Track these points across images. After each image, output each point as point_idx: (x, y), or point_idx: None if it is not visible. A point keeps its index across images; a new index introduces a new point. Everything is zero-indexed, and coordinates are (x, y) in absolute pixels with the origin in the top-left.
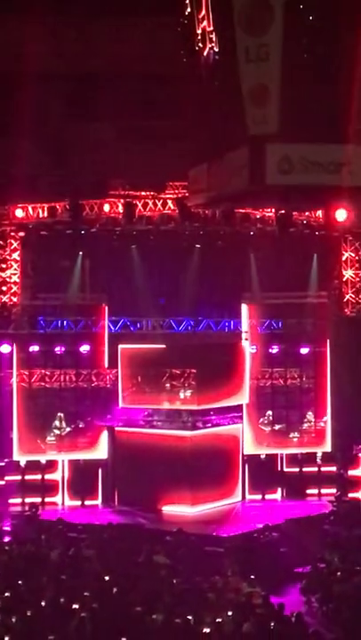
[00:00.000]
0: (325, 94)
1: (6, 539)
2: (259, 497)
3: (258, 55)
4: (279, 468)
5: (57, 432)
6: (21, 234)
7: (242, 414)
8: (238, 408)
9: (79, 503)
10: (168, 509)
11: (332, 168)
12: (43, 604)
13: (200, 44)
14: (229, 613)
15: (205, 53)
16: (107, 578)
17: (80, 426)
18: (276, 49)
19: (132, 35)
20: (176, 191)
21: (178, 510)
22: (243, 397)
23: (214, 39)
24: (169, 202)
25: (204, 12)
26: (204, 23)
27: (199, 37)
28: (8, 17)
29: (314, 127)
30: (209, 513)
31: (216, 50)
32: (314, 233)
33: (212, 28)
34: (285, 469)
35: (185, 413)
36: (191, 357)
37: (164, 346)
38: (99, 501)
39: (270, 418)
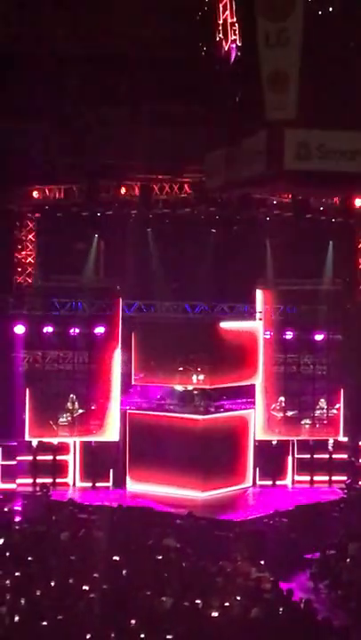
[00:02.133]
0: (345, 80)
1: (17, 519)
2: (269, 483)
3: (278, 40)
4: (290, 455)
5: (69, 414)
6: (37, 215)
7: (254, 400)
8: (251, 393)
9: (90, 485)
10: (179, 493)
11: (350, 155)
12: (52, 584)
13: (221, 35)
14: (238, 598)
15: (226, 43)
16: (116, 559)
17: (92, 408)
18: (296, 34)
19: (151, 18)
20: (193, 175)
21: (188, 494)
22: (256, 378)
23: (236, 28)
24: (185, 186)
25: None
26: (227, 12)
27: (220, 27)
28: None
29: (333, 113)
30: (219, 497)
31: (236, 38)
32: (330, 220)
33: (234, 19)
34: (296, 456)
35: (197, 397)
36: (204, 341)
37: (177, 330)
38: (110, 483)
39: (283, 404)
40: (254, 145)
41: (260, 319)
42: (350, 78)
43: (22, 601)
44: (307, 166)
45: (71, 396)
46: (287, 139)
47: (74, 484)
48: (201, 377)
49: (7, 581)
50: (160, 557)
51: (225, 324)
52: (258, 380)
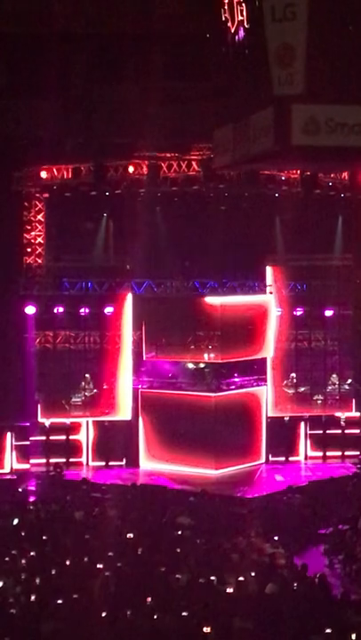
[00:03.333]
0: (353, 54)
1: (31, 498)
2: (282, 459)
3: (284, 15)
4: (303, 431)
5: (83, 393)
6: (46, 195)
7: (265, 377)
8: (262, 370)
9: (103, 464)
10: (192, 471)
11: (358, 129)
12: (67, 563)
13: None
14: (252, 574)
15: (232, 22)
16: (130, 536)
17: (104, 387)
18: (302, 8)
19: None
20: (201, 153)
21: (201, 471)
22: (267, 351)
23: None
24: (193, 163)
25: None
26: None
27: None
28: None
29: (341, 88)
30: (232, 474)
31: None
32: (339, 195)
33: None
34: (309, 432)
35: (209, 375)
36: (214, 317)
37: (187, 307)
38: (123, 462)
39: (294, 380)
40: (262, 121)
41: (270, 292)
42: (358, 52)
43: (37, 580)
44: (315, 141)
45: (86, 375)
46: (295, 114)
47: (87, 463)
48: (212, 354)
49: (22, 561)
50: (174, 535)
51: (234, 299)
52: (268, 354)
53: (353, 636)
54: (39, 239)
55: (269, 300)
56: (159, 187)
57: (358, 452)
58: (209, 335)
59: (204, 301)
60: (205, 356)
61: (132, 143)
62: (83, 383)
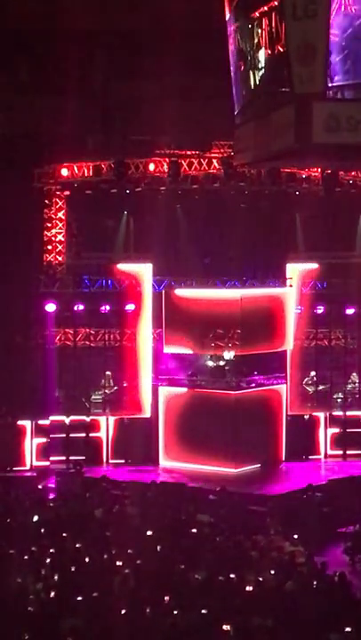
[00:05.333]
0: None
1: (51, 496)
2: (302, 457)
3: (305, 13)
4: (323, 429)
5: (103, 390)
6: (67, 193)
7: (285, 375)
8: (282, 368)
9: (123, 461)
10: (211, 468)
11: None
12: (87, 560)
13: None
14: (272, 572)
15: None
16: (150, 534)
17: (124, 385)
18: (323, 6)
19: None
20: (221, 150)
21: (221, 469)
22: (287, 345)
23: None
24: (214, 161)
25: None
26: None
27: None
28: None
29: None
30: (252, 472)
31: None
32: (360, 193)
33: None
34: (329, 430)
35: (229, 373)
36: (235, 313)
37: (207, 303)
38: (142, 459)
39: (314, 378)
40: (283, 119)
41: (290, 285)
42: None
43: (57, 577)
44: (336, 139)
45: (107, 373)
46: (316, 112)
47: (107, 460)
48: (232, 351)
49: (42, 558)
50: (194, 532)
51: (254, 291)
52: (289, 346)
53: None
54: (60, 236)
55: (289, 293)
56: (180, 184)
57: None
58: (229, 332)
59: (224, 297)
60: (226, 355)
61: (152, 140)
62: (103, 381)
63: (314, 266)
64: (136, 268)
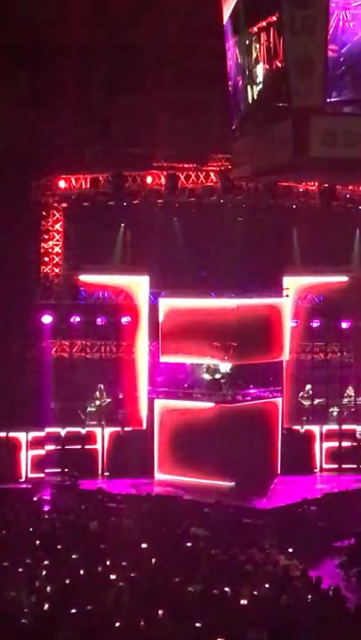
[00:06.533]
0: None
1: (46, 508)
2: (297, 471)
3: (303, 27)
4: (318, 443)
5: (97, 403)
6: (64, 205)
7: (281, 388)
8: (278, 382)
9: (119, 474)
10: (207, 481)
11: None
12: (81, 572)
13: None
14: (267, 586)
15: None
16: (144, 547)
17: (120, 397)
18: (321, 22)
19: (176, 6)
20: (219, 163)
21: (216, 482)
22: (283, 355)
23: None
24: (212, 174)
25: None
26: None
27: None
28: None
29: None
30: (248, 485)
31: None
32: (357, 207)
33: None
34: (324, 444)
35: (225, 386)
36: (231, 323)
37: (203, 315)
38: (138, 472)
39: (310, 392)
40: (281, 133)
41: (287, 296)
42: None
43: (51, 589)
44: (333, 153)
45: (99, 385)
46: (313, 126)
47: (102, 473)
48: (229, 363)
49: (37, 570)
50: (189, 545)
51: (250, 300)
52: (285, 357)
53: None
54: (57, 248)
55: (285, 303)
56: (177, 197)
57: None
58: (226, 344)
59: (221, 306)
60: (222, 368)
61: (150, 153)
62: (97, 393)
63: (311, 280)
64: (133, 281)
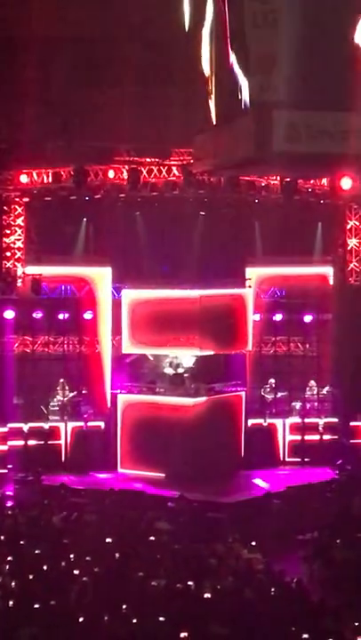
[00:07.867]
0: (333, 61)
1: (9, 503)
2: (261, 464)
3: (265, 21)
4: (281, 437)
5: (60, 398)
6: (25, 199)
7: (245, 382)
8: (241, 376)
9: (82, 469)
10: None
11: (338, 136)
12: (44, 568)
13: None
14: (230, 579)
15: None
16: (108, 541)
17: (83, 392)
18: (283, 15)
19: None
20: (181, 158)
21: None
22: (248, 345)
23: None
24: (174, 169)
25: None
26: None
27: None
28: None
29: (321, 94)
30: (211, 479)
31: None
32: (319, 201)
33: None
34: (288, 437)
35: (188, 380)
36: (194, 314)
37: (166, 307)
38: (101, 467)
39: (273, 386)
40: (243, 127)
41: (250, 286)
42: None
43: (15, 585)
44: (295, 148)
45: (61, 380)
46: (275, 120)
47: (65, 468)
48: (191, 357)
49: (0, 565)
50: (152, 540)
51: (213, 291)
52: (249, 347)
53: None
54: (19, 243)
55: (248, 293)
56: (139, 192)
57: (336, 458)
58: (189, 336)
59: (183, 296)
60: (185, 361)
61: (112, 148)
62: (59, 388)
63: (273, 270)
64: (95, 272)
